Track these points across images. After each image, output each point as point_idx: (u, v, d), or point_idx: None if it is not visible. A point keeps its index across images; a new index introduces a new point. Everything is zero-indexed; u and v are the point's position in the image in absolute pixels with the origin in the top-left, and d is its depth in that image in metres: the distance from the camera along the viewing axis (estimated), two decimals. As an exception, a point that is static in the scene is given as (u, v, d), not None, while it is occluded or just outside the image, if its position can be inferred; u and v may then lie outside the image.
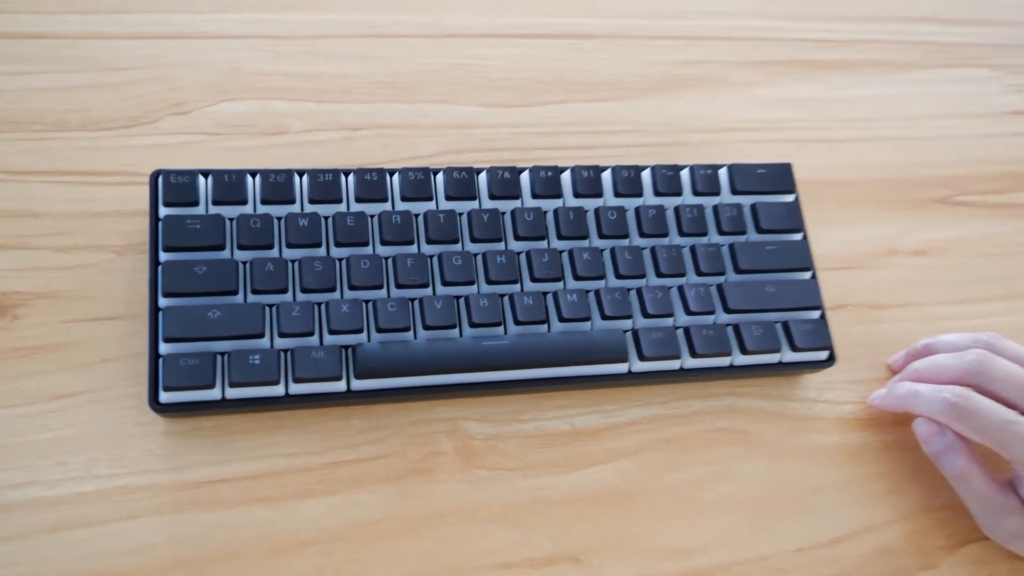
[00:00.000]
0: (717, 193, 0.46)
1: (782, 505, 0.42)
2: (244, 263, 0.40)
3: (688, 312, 0.43)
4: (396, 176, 0.43)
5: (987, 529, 0.41)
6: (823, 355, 0.44)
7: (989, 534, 0.41)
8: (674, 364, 0.42)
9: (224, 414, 0.39)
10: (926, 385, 0.42)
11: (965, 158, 0.55)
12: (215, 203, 0.40)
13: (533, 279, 0.42)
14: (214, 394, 0.38)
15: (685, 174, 0.46)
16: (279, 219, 0.41)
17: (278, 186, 0.41)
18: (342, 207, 0.42)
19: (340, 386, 0.39)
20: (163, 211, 0.40)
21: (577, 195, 0.44)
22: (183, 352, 0.37)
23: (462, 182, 0.43)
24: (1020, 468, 0.39)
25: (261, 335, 0.38)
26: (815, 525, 0.42)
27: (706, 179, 0.46)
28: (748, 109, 0.53)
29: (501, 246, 0.43)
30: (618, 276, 0.43)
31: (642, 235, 0.44)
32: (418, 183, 0.43)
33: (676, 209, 0.45)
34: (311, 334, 0.39)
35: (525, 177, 0.45)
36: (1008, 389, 0.40)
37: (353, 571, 0.37)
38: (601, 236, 0.44)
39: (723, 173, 0.47)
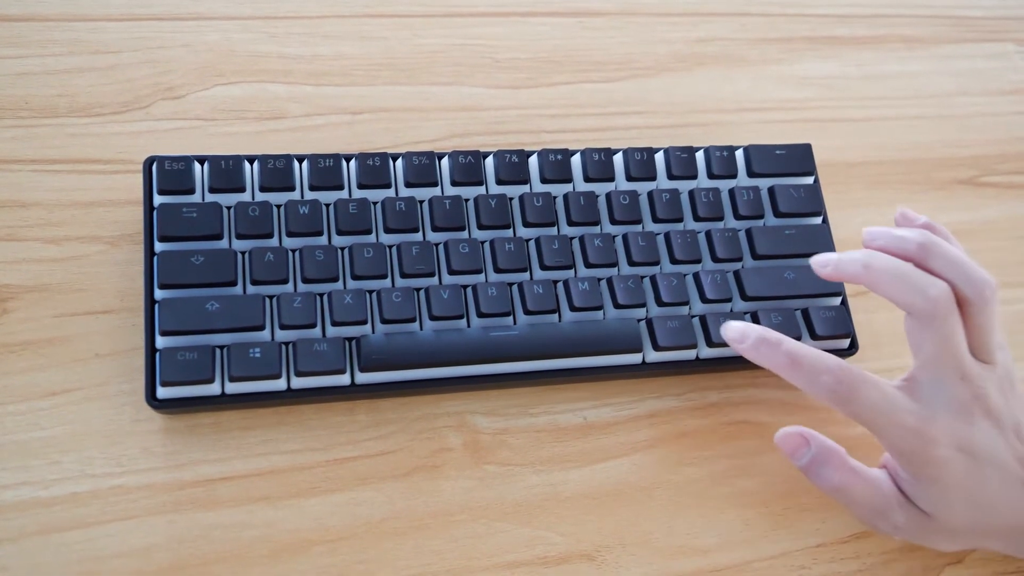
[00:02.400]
0: (734, 176, 0.44)
1: (803, 500, 0.41)
2: (243, 253, 0.39)
3: (704, 300, 0.41)
4: (400, 161, 0.42)
5: (870, 526, 0.39)
6: (844, 343, 0.43)
7: (873, 529, 0.39)
8: (690, 354, 0.41)
9: (223, 410, 0.38)
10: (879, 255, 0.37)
11: (991, 137, 0.53)
12: (212, 191, 0.39)
13: (543, 267, 0.41)
14: (213, 389, 0.36)
15: (700, 156, 0.45)
16: (279, 207, 0.40)
17: (277, 172, 0.40)
18: (344, 194, 0.41)
19: (344, 380, 0.38)
20: (158, 199, 0.39)
21: (588, 179, 0.43)
22: (181, 346, 0.36)
23: (468, 166, 0.42)
24: (897, 458, 0.37)
25: (261, 327, 0.37)
26: (837, 520, 0.41)
27: (722, 161, 0.44)
28: (765, 88, 0.51)
29: (509, 233, 0.41)
30: (631, 263, 0.41)
31: (656, 220, 0.43)
32: (422, 168, 0.41)
33: (691, 193, 0.43)
34: (313, 326, 0.38)
35: (534, 161, 0.43)
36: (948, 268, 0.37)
37: (359, 571, 0.36)
38: (613, 222, 0.42)
39: (740, 155, 0.45)
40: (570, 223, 0.42)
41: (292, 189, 0.40)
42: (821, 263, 0.38)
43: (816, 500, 0.41)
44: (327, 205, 0.40)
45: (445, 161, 0.42)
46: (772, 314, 0.42)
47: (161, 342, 0.37)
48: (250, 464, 0.37)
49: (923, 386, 0.37)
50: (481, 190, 0.42)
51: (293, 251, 0.39)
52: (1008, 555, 0.40)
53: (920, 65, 0.55)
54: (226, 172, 0.39)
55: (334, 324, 0.38)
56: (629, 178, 0.43)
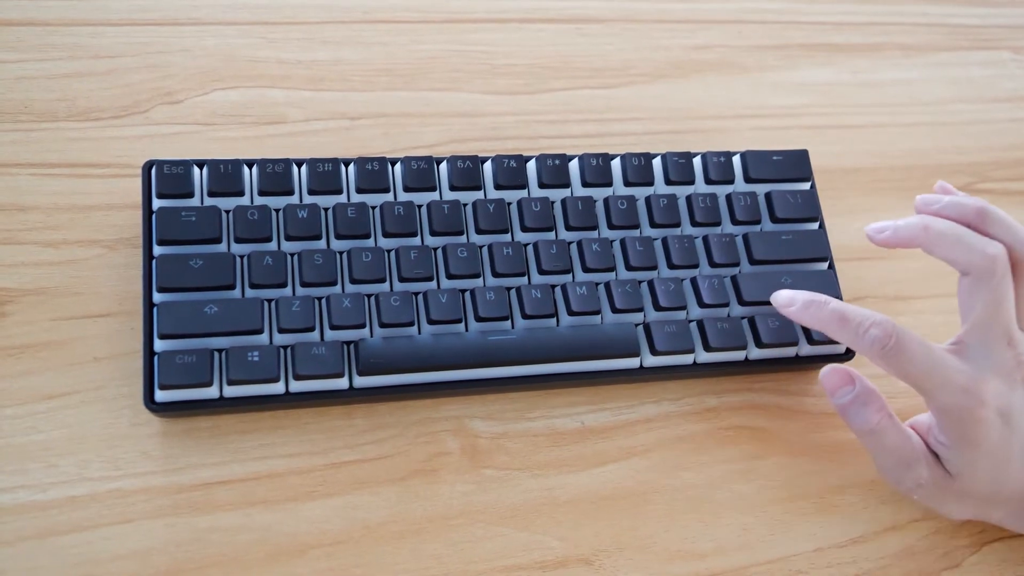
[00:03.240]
0: (731, 181, 0.45)
1: (801, 504, 0.41)
2: (241, 256, 0.39)
3: (701, 305, 0.42)
4: (398, 165, 0.42)
5: (892, 481, 0.39)
6: (842, 348, 0.43)
7: (893, 485, 0.39)
8: (687, 359, 0.41)
9: (221, 413, 0.38)
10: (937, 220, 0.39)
11: (986, 144, 0.53)
12: (211, 194, 0.39)
13: (541, 271, 0.41)
14: (211, 392, 0.36)
15: (697, 162, 0.45)
16: (277, 211, 0.40)
17: (276, 176, 0.40)
18: (342, 198, 0.41)
19: (342, 383, 0.38)
20: (156, 203, 0.39)
21: (586, 184, 0.43)
22: (179, 349, 0.36)
23: (466, 171, 0.42)
24: (942, 417, 0.37)
25: (260, 331, 0.37)
26: (835, 525, 0.41)
27: (719, 167, 0.44)
28: (762, 94, 0.52)
29: (507, 237, 0.41)
30: (629, 268, 0.42)
31: (653, 225, 0.43)
32: (421, 172, 0.41)
33: (688, 198, 0.44)
34: (312, 329, 0.38)
35: (532, 166, 0.43)
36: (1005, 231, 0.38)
37: (356, 575, 0.36)
38: (611, 226, 0.42)
39: (737, 160, 0.45)
40: (568, 228, 0.42)
41: (291, 193, 0.40)
42: (878, 229, 0.40)
43: (813, 505, 0.41)
44: (326, 209, 0.40)
45: (443, 166, 0.42)
46: (769, 319, 0.42)
47: (159, 345, 0.37)
48: (248, 468, 0.37)
49: (971, 349, 0.38)
50: (479, 195, 0.42)
51: (292, 255, 0.39)
52: (1008, 559, 0.40)
53: (916, 72, 0.55)
54: (225, 176, 0.39)
55: (332, 328, 0.38)
56: (627, 183, 0.43)
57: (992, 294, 0.37)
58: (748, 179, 0.45)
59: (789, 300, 0.40)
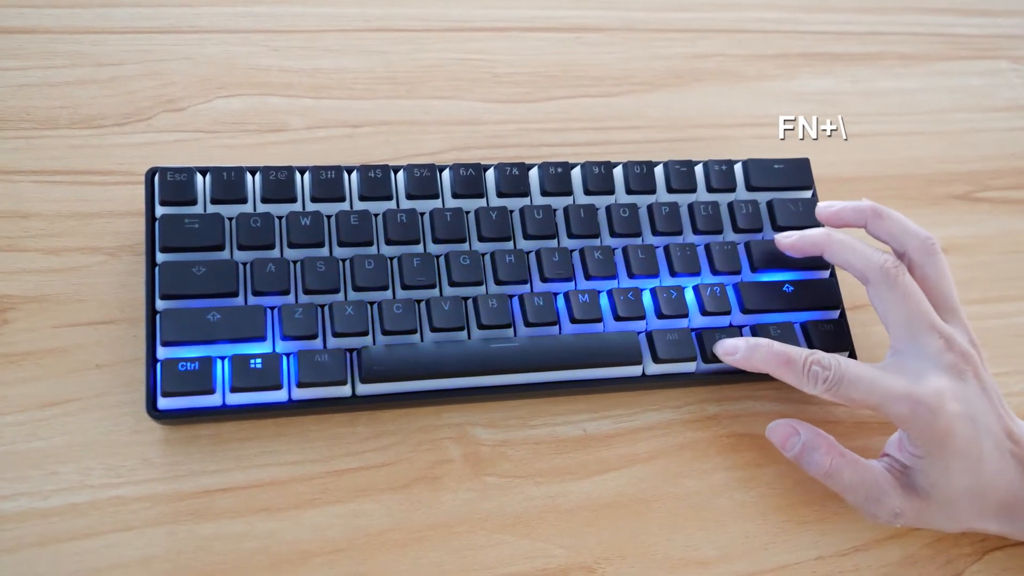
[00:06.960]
0: (732, 189, 0.45)
1: (802, 512, 0.41)
2: (244, 264, 0.39)
3: (703, 312, 0.42)
4: (401, 173, 0.42)
5: (867, 516, 0.39)
6: (843, 357, 0.43)
7: (870, 520, 0.39)
8: (689, 367, 0.41)
9: (223, 421, 0.38)
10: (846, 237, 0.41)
11: (985, 153, 0.54)
12: (214, 202, 0.39)
13: (543, 279, 0.41)
14: (214, 400, 0.36)
15: (699, 170, 0.45)
16: (280, 218, 0.40)
17: (279, 184, 0.40)
18: (345, 205, 0.41)
19: (345, 391, 0.38)
20: (160, 210, 0.39)
21: (588, 192, 0.43)
22: (181, 356, 0.36)
23: (469, 179, 0.42)
24: (904, 427, 0.38)
25: (263, 338, 0.37)
26: (836, 533, 0.41)
27: (721, 175, 0.45)
28: (763, 103, 0.52)
29: (510, 245, 0.42)
30: (631, 276, 0.42)
31: (655, 233, 0.43)
32: (424, 180, 0.41)
33: (690, 206, 0.44)
34: (314, 337, 0.38)
35: (534, 174, 0.43)
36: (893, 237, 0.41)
37: (358, 584, 0.36)
38: (613, 234, 0.43)
39: (738, 169, 0.45)
40: (570, 235, 0.42)
41: (294, 200, 0.40)
42: (786, 235, 0.42)
43: (815, 513, 0.41)
44: (329, 216, 0.40)
45: (446, 173, 0.42)
46: (771, 328, 0.42)
47: (162, 352, 0.37)
48: (250, 475, 0.37)
49: (905, 353, 0.38)
50: (482, 202, 0.42)
51: (294, 262, 0.39)
52: (1010, 567, 0.40)
53: (915, 82, 0.55)
54: (228, 183, 0.39)
55: (335, 335, 0.38)
56: (629, 191, 0.44)
57: (896, 292, 0.38)
58: (750, 187, 0.45)
59: (732, 348, 0.40)
